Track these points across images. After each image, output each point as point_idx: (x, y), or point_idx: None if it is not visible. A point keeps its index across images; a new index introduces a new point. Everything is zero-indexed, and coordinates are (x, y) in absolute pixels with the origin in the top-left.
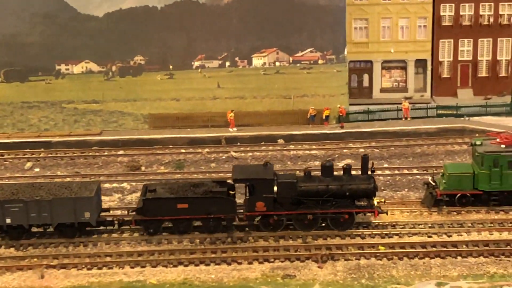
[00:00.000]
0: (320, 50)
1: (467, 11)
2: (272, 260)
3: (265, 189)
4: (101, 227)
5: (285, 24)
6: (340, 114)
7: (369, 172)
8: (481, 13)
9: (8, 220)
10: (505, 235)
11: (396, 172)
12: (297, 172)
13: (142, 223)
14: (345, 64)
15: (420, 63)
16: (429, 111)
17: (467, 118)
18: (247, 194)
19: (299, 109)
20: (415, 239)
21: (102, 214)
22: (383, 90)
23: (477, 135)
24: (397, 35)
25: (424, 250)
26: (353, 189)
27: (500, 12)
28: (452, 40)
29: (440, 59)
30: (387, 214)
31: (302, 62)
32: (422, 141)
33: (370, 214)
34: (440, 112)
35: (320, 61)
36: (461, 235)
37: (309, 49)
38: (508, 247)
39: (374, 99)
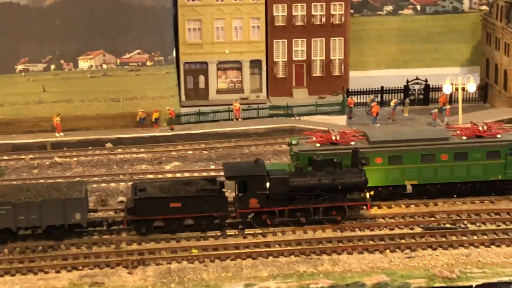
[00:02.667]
0: (148, 51)
1: (299, 11)
2: (81, 268)
3: (258, 186)
4: (90, 228)
5: (111, 25)
6: (170, 116)
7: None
8: (313, 13)
9: None
10: (318, 233)
11: (222, 173)
12: (120, 176)
13: (134, 223)
14: (174, 65)
15: (256, 64)
16: (261, 111)
17: (297, 118)
18: (239, 191)
19: (129, 112)
20: (230, 240)
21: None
22: (219, 91)
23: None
24: (231, 36)
25: (236, 251)
26: (345, 183)
27: (332, 12)
28: (286, 40)
29: (275, 59)
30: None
31: (130, 64)
32: (251, 141)
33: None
34: (272, 112)
35: (148, 63)
36: (275, 235)
37: (137, 51)
38: (320, 245)
39: (210, 100)
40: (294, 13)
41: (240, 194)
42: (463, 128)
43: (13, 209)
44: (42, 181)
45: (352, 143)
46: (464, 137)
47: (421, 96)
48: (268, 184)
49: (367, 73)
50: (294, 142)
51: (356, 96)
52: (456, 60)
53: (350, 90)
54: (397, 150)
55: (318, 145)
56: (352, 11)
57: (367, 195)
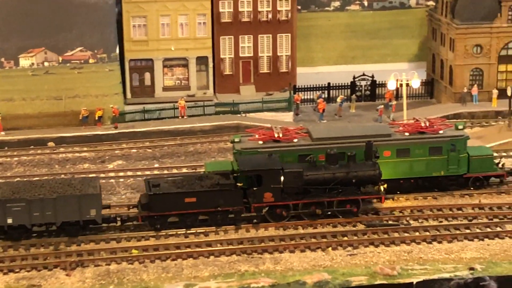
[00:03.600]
0: (91, 49)
1: (245, 7)
2: (18, 270)
3: (273, 180)
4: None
5: (52, 22)
6: (114, 114)
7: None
8: (259, 9)
9: (9, 220)
10: (261, 232)
11: (166, 171)
12: (62, 176)
13: (148, 219)
14: (117, 63)
15: (202, 60)
16: (207, 108)
17: (243, 115)
18: (253, 185)
19: (71, 110)
20: (171, 240)
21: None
22: (165, 89)
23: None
24: (177, 33)
25: (177, 251)
26: (359, 176)
27: (278, 8)
28: (232, 37)
29: (222, 56)
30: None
31: (72, 61)
32: (196, 139)
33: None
34: (218, 109)
35: (91, 60)
36: (218, 234)
37: (79, 48)
38: (262, 244)
39: (156, 97)
40: (240, 9)
41: (254, 188)
42: (405, 124)
43: (27, 205)
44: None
45: (295, 140)
46: (407, 133)
47: (367, 92)
48: (282, 178)
49: (315, 69)
50: (236, 139)
51: (303, 92)
52: (403, 56)
53: (297, 87)
54: (340, 147)
55: (260, 142)
56: (299, 7)
57: (381, 188)
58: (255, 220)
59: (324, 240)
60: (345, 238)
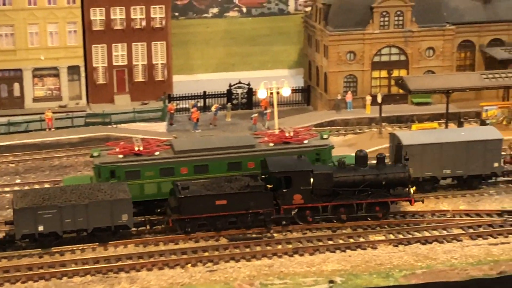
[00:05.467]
0: None
1: (118, 15)
2: None
3: (303, 181)
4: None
5: None
6: None
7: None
8: (133, 17)
9: (40, 228)
10: (119, 249)
11: (27, 187)
12: None
13: (178, 222)
14: None
15: (74, 70)
16: (76, 120)
17: (114, 126)
18: (282, 187)
19: None
20: (23, 261)
21: None
22: (36, 99)
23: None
24: (47, 41)
25: (29, 273)
26: (389, 178)
27: (152, 16)
28: (105, 45)
29: (95, 65)
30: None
31: None
32: (63, 152)
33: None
34: (89, 120)
35: None
36: (74, 253)
37: None
38: (120, 263)
39: (27, 109)
40: (112, 17)
41: (284, 190)
42: (270, 135)
43: (59, 212)
44: None
45: (157, 153)
46: (271, 144)
47: (244, 100)
48: (312, 180)
49: (195, 77)
50: (95, 154)
51: (179, 101)
52: (283, 62)
53: (172, 96)
54: (203, 159)
55: (120, 156)
56: (177, 13)
57: (411, 190)
58: (284, 222)
59: (184, 256)
60: (206, 254)
